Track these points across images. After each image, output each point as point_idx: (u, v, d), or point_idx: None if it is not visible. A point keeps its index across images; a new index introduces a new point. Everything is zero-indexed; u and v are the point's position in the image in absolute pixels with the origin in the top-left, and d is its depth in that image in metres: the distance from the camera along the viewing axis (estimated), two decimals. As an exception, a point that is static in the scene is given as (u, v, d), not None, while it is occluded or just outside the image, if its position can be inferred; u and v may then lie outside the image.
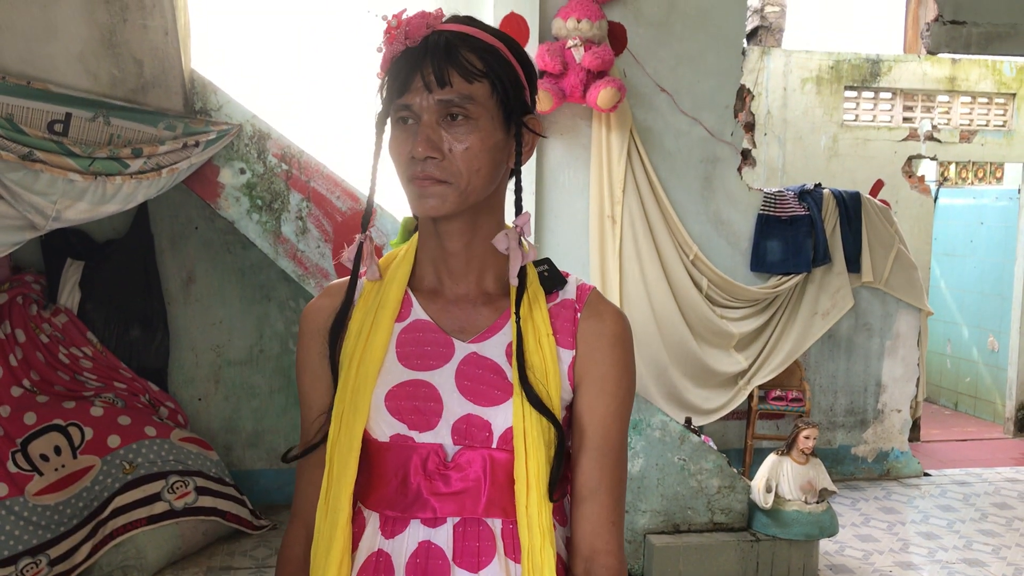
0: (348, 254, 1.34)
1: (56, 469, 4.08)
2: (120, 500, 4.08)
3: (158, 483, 4.19)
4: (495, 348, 1.30)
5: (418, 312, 1.32)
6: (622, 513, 1.32)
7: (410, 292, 1.34)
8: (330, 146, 4.40)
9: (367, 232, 1.34)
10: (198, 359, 4.87)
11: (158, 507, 4.14)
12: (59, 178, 3.23)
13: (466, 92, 1.20)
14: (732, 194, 5.34)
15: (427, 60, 1.20)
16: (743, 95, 6.19)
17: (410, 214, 1.39)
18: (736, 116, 5.34)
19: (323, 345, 1.33)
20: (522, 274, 1.29)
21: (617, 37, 4.99)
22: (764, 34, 6.91)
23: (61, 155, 3.24)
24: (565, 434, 1.30)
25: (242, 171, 3.73)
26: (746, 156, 6.35)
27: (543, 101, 4.70)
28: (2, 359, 4.16)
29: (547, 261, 1.36)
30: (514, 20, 4.79)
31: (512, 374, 1.27)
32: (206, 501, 4.29)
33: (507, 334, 1.30)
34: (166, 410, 4.62)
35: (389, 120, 1.27)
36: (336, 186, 3.81)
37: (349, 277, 1.35)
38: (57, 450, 4.11)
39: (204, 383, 4.90)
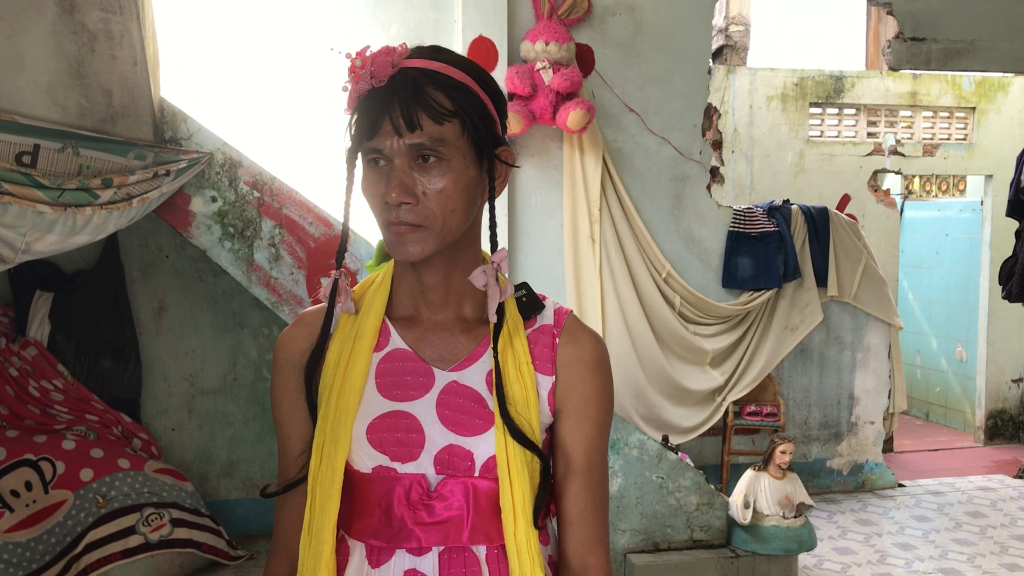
0: (325, 291, 1.33)
1: (28, 505, 4.02)
2: (94, 535, 4.02)
3: (132, 516, 4.13)
4: (475, 377, 1.30)
5: (396, 341, 1.32)
6: (608, 530, 1.36)
7: (387, 321, 1.33)
8: (302, 171, 4.39)
9: (341, 267, 1.33)
10: (171, 389, 4.82)
11: (133, 540, 4.08)
12: (28, 210, 3.20)
13: (436, 134, 1.19)
14: (702, 212, 5.39)
15: (395, 103, 1.19)
16: (710, 114, 6.26)
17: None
18: (704, 135, 5.40)
19: (300, 376, 1.32)
20: (500, 308, 1.30)
21: (585, 59, 5.04)
22: (729, 53, 7.00)
23: (30, 187, 3.21)
24: (548, 459, 1.32)
25: (213, 199, 3.71)
26: (715, 174, 6.41)
27: (513, 124, 4.72)
28: (-30, 394, 4.10)
29: (525, 286, 1.36)
30: (482, 43, 4.82)
31: (493, 403, 1.27)
32: (182, 533, 4.23)
33: (487, 362, 1.31)
34: (139, 441, 4.56)
35: (360, 156, 1.26)
36: (309, 212, 3.81)
37: (324, 308, 1.35)
38: (28, 485, 4.05)
39: (177, 413, 4.85)
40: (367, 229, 3.70)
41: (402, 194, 1.19)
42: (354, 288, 1.37)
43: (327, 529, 1.27)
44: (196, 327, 4.83)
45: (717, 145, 6.57)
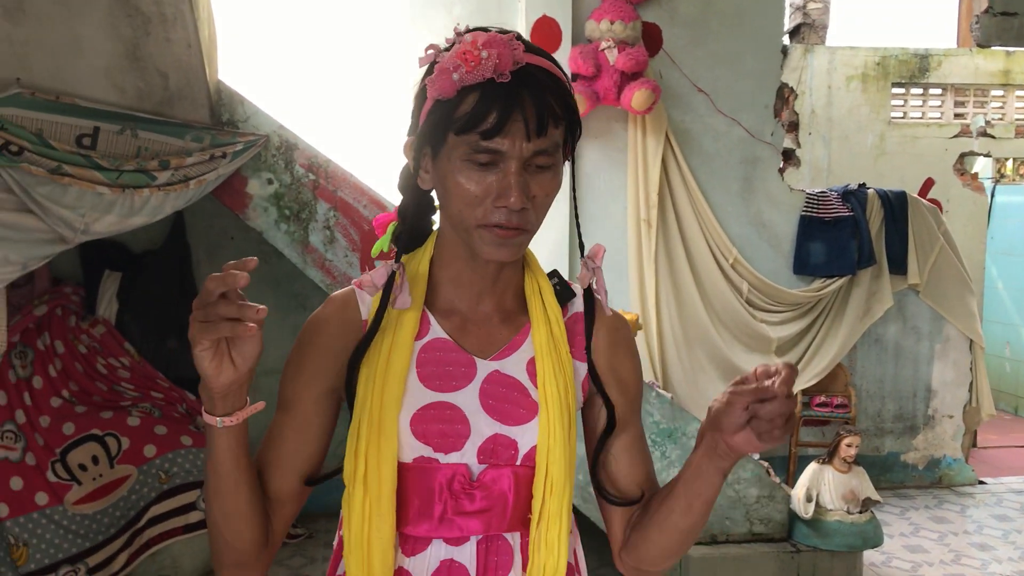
0: (376, 280, 1.26)
1: (94, 479, 4.12)
2: (156, 509, 4.11)
3: (193, 492, 4.21)
4: (516, 366, 1.29)
5: (436, 330, 1.29)
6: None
7: (426, 310, 1.30)
8: (356, 154, 4.40)
9: (400, 262, 1.27)
10: (235, 368, 4.88)
11: (193, 516, 4.16)
12: (87, 191, 3.26)
13: (556, 139, 1.18)
14: (773, 195, 5.23)
15: (527, 104, 1.14)
16: (784, 94, 6.06)
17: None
18: (778, 116, 5.22)
19: (335, 364, 1.30)
20: (584, 298, 1.35)
21: (652, 38, 4.92)
22: (807, 31, 6.76)
23: (89, 169, 3.27)
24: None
25: (269, 181, 3.73)
26: (790, 156, 6.23)
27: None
28: (42, 370, 4.22)
29: (556, 274, 1.36)
30: (546, 23, 4.74)
31: (536, 392, 1.26)
32: (241, 510, 4.30)
33: (527, 351, 1.29)
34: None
35: (451, 148, 1.18)
36: (363, 195, 3.80)
37: (353, 295, 1.31)
38: (95, 459, 4.15)
39: (241, 392, 4.91)
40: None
41: (525, 200, 1.16)
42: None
43: (387, 524, 1.22)
44: (260, 308, 4.88)
45: (793, 127, 6.37)
